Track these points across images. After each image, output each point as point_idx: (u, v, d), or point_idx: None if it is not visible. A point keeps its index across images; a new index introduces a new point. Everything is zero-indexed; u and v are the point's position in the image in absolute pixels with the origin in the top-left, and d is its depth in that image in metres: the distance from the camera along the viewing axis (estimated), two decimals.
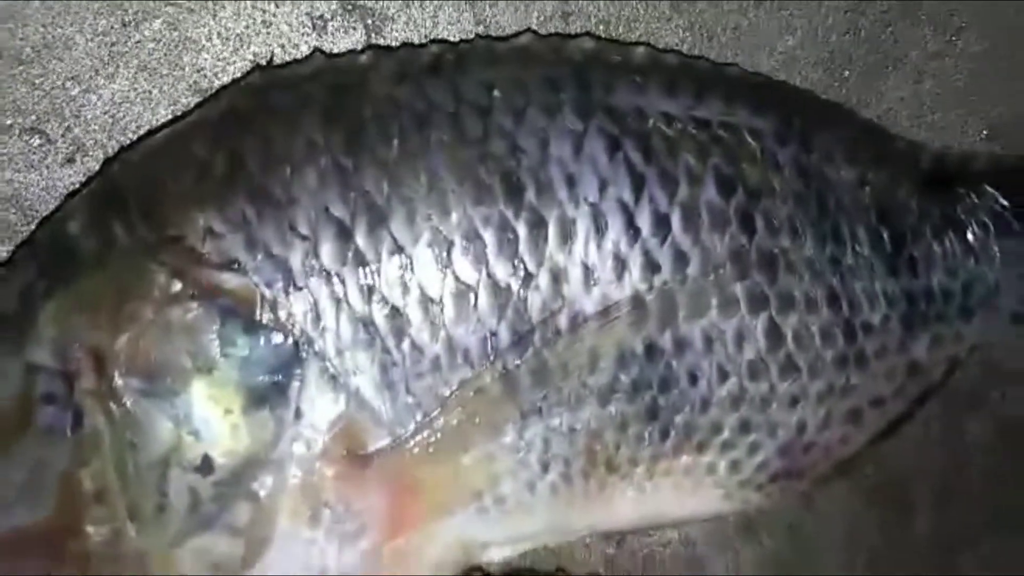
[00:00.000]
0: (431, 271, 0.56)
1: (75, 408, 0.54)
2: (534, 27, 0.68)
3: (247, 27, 0.67)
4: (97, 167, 0.65)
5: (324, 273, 0.55)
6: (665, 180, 0.59)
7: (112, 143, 0.66)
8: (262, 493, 0.55)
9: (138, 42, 0.66)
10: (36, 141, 0.66)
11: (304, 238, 0.55)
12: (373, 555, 0.57)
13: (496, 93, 0.59)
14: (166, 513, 0.54)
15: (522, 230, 0.57)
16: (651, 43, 0.67)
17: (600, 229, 0.57)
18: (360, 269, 0.55)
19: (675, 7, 0.69)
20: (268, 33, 0.67)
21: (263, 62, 0.67)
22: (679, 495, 0.61)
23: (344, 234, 0.55)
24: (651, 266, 0.58)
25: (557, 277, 0.57)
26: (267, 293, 0.55)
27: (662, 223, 0.58)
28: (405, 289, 0.56)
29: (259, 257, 0.55)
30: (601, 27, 0.69)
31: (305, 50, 0.67)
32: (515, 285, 0.56)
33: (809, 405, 0.61)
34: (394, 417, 0.56)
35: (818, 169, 0.62)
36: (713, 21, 0.70)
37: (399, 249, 0.56)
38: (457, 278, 0.56)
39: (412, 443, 0.56)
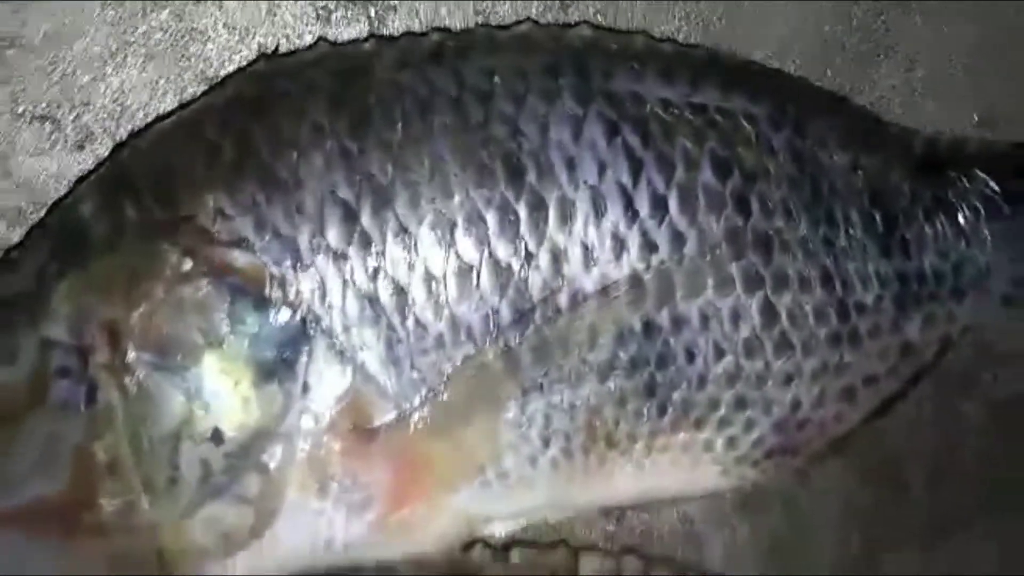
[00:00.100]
0: (434, 251, 0.57)
1: (89, 382, 0.54)
2: (533, 17, 0.69)
3: (252, 17, 0.68)
4: (106, 153, 0.66)
5: (331, 253, 0.56)
6: (662, 163, 0.59)
7: (121, 130, 0.67)
8: (271, 465, 0.56)
9: (145, 32, 0.68)
10: (47, 128, 0.67)
11: (311, 219, 0.56)
12: (379, 526, 0.57)
13: (497, 79, 0.59)
14: (178, 484, 0.55)
15: (523, 212, 0.57)
16: (648, 32, 0.68)
17: (599, 211, 0.58)
18: (366, 249, 0.56)
19: None
20: (273, 23, 0.68)
21: (268, 51, 0.68)
22: (677, 471, 0.62)
23: (350, 215, 0.56)
24: (649, 246, 0.59)
25: (557, 257, 0.58)
26: (275, 271, 0.56)
27: (659, 205, 0.59)
28: (409, 268, 0.56)
29: (268, 237, 0.56)
30: (599, 17, 0.70)
31: (309, 40, 0.68)
32: (516, 265, 0.57)
33: (804, 383, 0.61)
34: (399, 392, 0.57)
35: (812, 153, 0.62)
36: (708, 10, 0.71)
37: (403, 230, 0.56)
38: (460, 258, 0.57)
39: (417, 417, 0.57)
